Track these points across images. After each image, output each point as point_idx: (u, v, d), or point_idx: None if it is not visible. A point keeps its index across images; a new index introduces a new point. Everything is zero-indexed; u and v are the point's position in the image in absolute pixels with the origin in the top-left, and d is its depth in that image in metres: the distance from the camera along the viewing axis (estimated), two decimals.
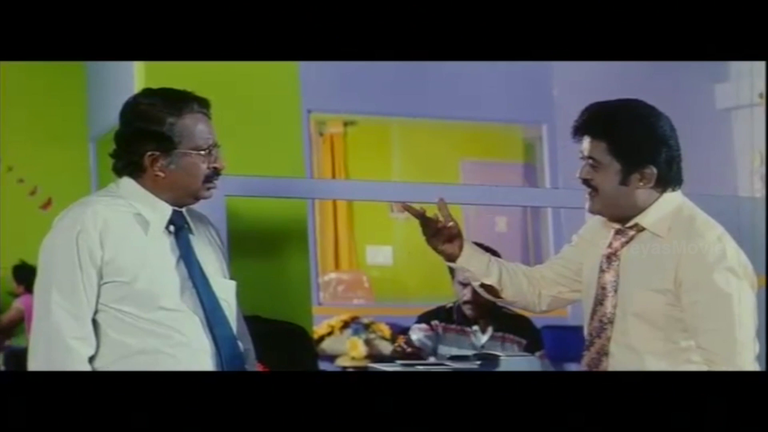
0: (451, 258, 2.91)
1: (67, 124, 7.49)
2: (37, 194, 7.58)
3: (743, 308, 2.58)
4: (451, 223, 2.89)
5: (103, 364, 2.58)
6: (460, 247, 2.90)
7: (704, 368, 2.59)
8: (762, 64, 4.57)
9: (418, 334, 4.21)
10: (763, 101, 6.44)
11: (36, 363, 2.57)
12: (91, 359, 2.57)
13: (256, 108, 4.21)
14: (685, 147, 2.73)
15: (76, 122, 7.45)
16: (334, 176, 7.98)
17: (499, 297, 2.98)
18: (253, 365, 2.84)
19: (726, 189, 7.43)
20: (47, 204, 7.50)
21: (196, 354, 2.62)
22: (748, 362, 2.58)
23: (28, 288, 7.10)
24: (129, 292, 2.57)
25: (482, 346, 4.10)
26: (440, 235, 2.89)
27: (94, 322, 2.58)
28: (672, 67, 6.54)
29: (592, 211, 2.76)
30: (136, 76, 4.29)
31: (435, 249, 2.90)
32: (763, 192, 7.22)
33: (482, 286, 2.96)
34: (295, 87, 4.40)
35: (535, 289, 2.96)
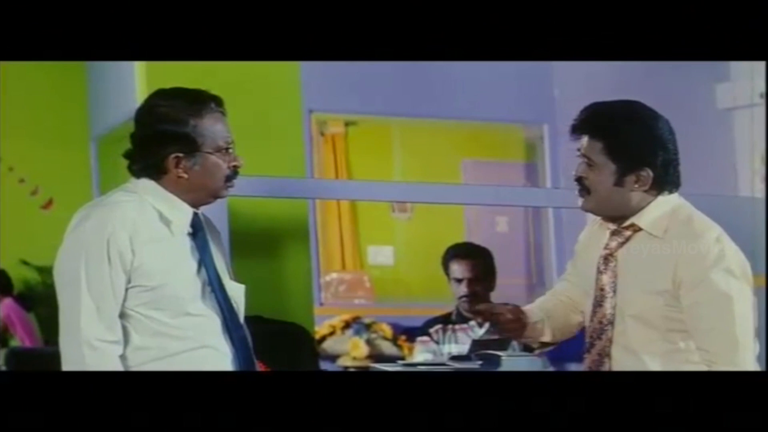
0: (518, 336, 2.94)
1: (68, 124, 7.48)
2: (38, 194, 7.58)
3: (743, 309, 2.58)
4: (518, 316, 2.88)
5: (127, 368, 2.55)
6: (524, 327, 2.89)
7: (704, 368, 2.59)
8: (762, 64, 4.56)
9: (424, 353, 4.20)
10: (764, 101, 6.44)
11: (71, 368, 2.53)
12: None
13: (258, 108, 4.20)
14: (685, 147, 2.72)
15: (77, 122, 7.44)
16: (335, 176, 7.97)
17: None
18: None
19: (726, 189, 7.42)
20: (48, 204, 7.51)
21: (219, 357, 2.63)
22: (748, 362, 2.59)
23: (4, 292, 7.04)
24: (155, 297, 2.56)
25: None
26: (510, 325, 2.88)
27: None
28: (672, 67, 6.53)
29: (585, 209, 2.75)
30: (137, 76, 4.30)
31: (503, 333, 2.94)
32: (763, 192, 7.21)
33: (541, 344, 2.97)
34: (297, 87, 4.40)
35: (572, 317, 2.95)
